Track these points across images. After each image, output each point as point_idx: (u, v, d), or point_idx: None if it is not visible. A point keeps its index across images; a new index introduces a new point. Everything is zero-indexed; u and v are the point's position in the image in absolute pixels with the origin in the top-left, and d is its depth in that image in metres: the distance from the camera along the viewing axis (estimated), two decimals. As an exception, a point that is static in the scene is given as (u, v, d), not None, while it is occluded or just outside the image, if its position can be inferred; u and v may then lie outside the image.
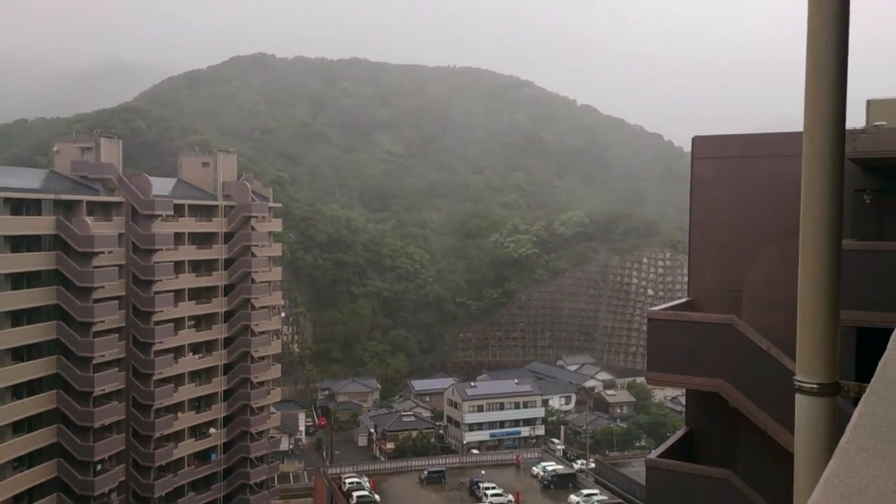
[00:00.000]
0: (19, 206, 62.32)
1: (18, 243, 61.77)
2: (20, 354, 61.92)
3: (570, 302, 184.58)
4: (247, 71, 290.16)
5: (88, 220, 66.55)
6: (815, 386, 4.51)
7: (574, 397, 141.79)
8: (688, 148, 18.94)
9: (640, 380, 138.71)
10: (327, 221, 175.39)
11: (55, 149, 75.00)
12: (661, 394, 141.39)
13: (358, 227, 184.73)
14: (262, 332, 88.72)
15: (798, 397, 4.57)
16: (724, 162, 17.58)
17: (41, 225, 63.58)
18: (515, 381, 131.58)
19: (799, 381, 4.57)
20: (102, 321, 67.15)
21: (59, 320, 64.75)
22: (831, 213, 4.54)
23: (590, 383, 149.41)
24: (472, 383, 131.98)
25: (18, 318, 61.64)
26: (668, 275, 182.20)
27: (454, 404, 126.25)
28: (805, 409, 4.55)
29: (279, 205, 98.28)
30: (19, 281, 61.77)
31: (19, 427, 61.75)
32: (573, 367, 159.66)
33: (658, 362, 15.59)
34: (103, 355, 67.40)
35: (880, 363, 3.66)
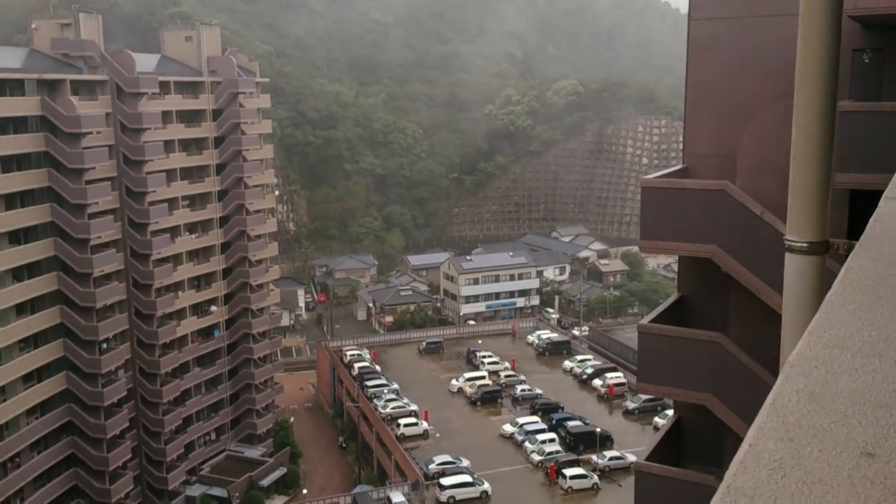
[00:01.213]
0: (2, 87, 60.89)
1: (4, 125, 60.77)
2: (17, 237, 62.19)
3: (564, 173, 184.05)
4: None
5: (73, 99, 65.18)
6: (804, 245, 4.55)
7: (568, 268, 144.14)
8: (686, 10, 18.34)
9: (635, 249, 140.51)
10: (316, 96, 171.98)
11: (33, 26, 72.36)
12: (655, 262, 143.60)
13: (348, 102, 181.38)
14: (257, 211, 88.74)
15: (788, 256, 4.61)
16: (721, 23, 17.05)
17: (26, 106, 62.35)
18: (510, 253, 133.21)
19: (789, 241, 4.60)
20: (96, 202, 67.03)
21: (52, 202, 64.62)
22: (827, 73, 4.44)
23: (584, 254, 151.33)
24: (468, 257, 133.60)
25: (12, 201, 61.49)
26: (664, 143, 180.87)
27: (450, 278, 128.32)
28: (794, 268, 4.61)
29: (266, 80, 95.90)
30: (9, 164, 61.18)
31: (22, 309, 62.81)
32: (567, 239, 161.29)
33: (651, 230, 15.69)
34: (100, 237, 67.71)
35: (871, 220, 3.67)
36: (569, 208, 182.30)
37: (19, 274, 62.53)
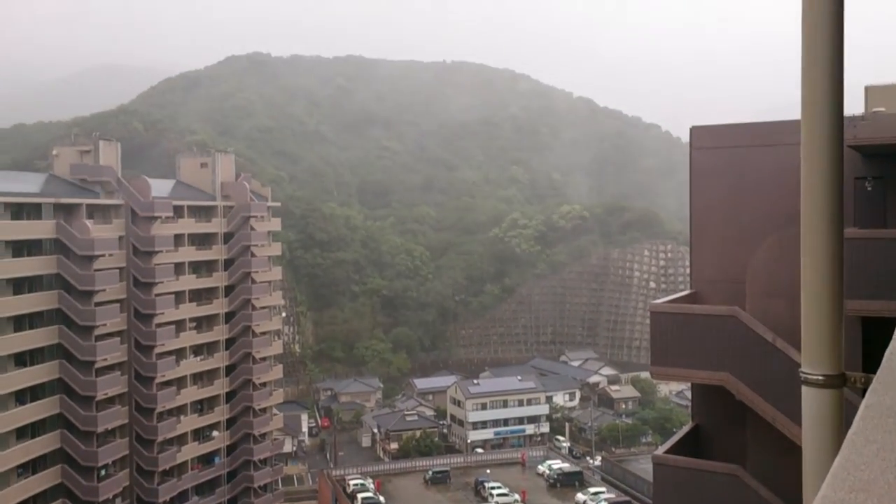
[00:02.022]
0: (20, 211, 62.27)
1: (20, 248, 61.70)
2: (23, 360, 61.87)
3: (571, 296, 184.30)
4: (243, 70, 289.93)
5: (88, 223, 66.47)
6: (820, 377, 4.46)
7: (578, 393, 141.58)
8: (686, 138, 18.85)
9: (645, 374, 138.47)
10: (326, 219, 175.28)
11: (54, 152, 74.87)
12: (667, 388, 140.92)
13: (357, 225, 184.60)
14: (264, 333, 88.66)
15: (804, 389, 4.51)
16: (723, 152, 17.51)
17: (42, 229, 63.52)
18: (518, 377, 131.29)
19: (805, 373, 4.51)
20: (104, 325, 67.13)
21: (61, 324, 64.69)
22: (832, 202, 4.48)
23: (594, 379, 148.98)
24: (475, 381, 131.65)
25: (21, 322, 61.60)
26: (671, 267, 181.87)
27: (457, 402, 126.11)
28: (812, 402, 4.50)
29: (278, 204, 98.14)
30: (21, 285, 61.69)
31: (23, 433, 61.68)
32: (576, 363, 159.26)
33: (662, 356, 15.49)
34: (105, 359, 67.37)
35: (887, 353, 3.60)
36: (577, 332, 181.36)
37: (22, 397, 61.77)
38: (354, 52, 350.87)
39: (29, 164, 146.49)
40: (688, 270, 20.10)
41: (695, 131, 17.86)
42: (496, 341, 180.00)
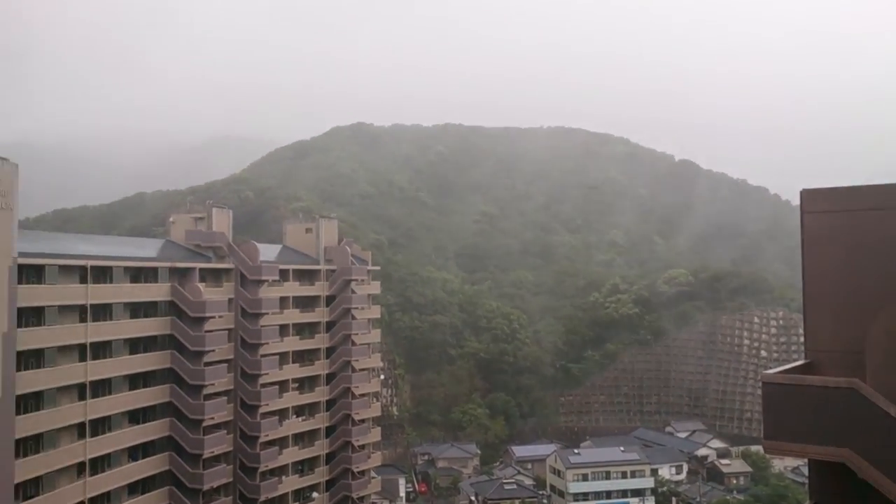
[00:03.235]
0: (138, 274, 65.90)
1: (137, 309, 65.09)
2: (136, 417, 64.60)
3: (676, 364, 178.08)
4: (347, 139, 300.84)
5: (201, 286, 69.63)
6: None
7: (685, 466, 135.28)
8: (796, 201, 18.34)
9: (757, 448, 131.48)
10: (424, 283, 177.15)
11: (171, 219, 79.31)
12: (781, 463, 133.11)
13: (454, 289, 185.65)
14: (363, 395, 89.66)
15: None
16: (838, 216, 16.91)
17: (158, 291, 66.93)
18: (621, 448, 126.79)
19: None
20: (212, 384, 69.49)
21: (172, 383, 67.40)
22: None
23: (702, 451, 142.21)
24: (576, 450, 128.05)
25: (136, 381, 64.56)
26: (783, 335, 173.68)
27: (557, 472, 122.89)
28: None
29: (377, 268, 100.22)
30: (137, 345, 64.86)
31: (133, 489, 63.97)
32: (683, 434, 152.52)
33: (775, 430, 14.83)
34: (212, 418, 69.51)
35: None
36: (683, 401, 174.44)
37: (134, 453, 64.29)
38: (453, 120, 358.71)
39: (148, 230, 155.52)
40: (801, 339, 19.31)
41: (806, 195, 17.37)
42: (597, 409, 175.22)
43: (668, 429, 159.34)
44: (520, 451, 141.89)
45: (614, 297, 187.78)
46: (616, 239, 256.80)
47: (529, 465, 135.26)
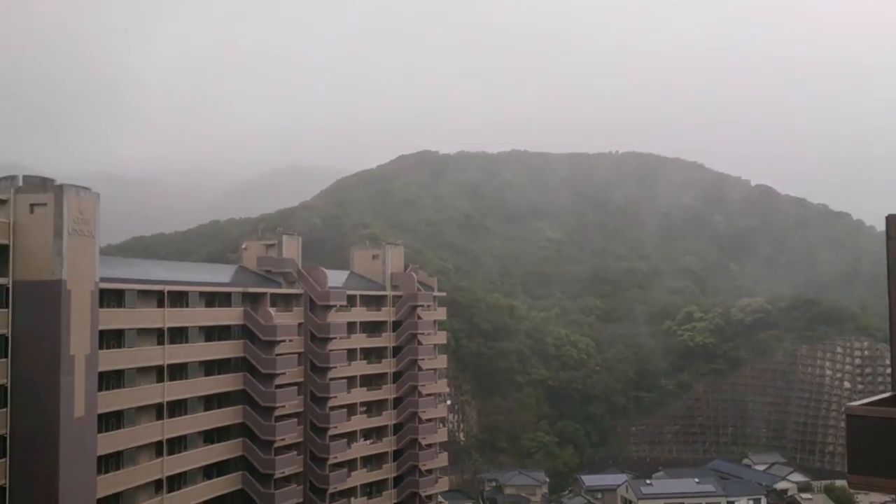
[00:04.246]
0: (212, 299, 68.14)
1: (211, 333, 67.25)
2: (210, 437, 66.47)
3: (754, 395, 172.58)
4: (412, 167, 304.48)
5: (272, 310, 71.50)
6: None
7: (764, 500, 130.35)
8: (881, 227, 17.92)
9: (841, 482, 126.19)
10: (490, 309, 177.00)
11: (243, 246, 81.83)
12: (867, 499, 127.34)
13: (521, 315, 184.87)
14: (429, 420, 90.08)
15: None
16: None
17: (231, 316, 69.02)
18: (696, 479, 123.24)
19: None
20: (283, 406, 71.01)
21: (245, 405, 69.17)
22: None
23: (781, 485, 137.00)
24: (648, 481, 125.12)
25: (210, 402, 66.53)
26: (868, 366, 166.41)
27: (628, 503, 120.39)
28: None
29: (443, 293, 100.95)
30: (212, 368, 66.92)
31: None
32: (761, 467, 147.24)
33: (861, 464, 14.39)
34: (283, 439, 70.93)
35: None
36: (761, 433, 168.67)
37: (209, 473, 66.05)
38: (518, 146, 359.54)
39: (222, 256, 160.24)
40: (888, 370, 18.80)
41: (892, 220, 16.87)
42: (670, 440, 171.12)
43: (746, 461, 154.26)
44: (589, 480, 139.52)
45: (688, 325, 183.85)
46: (689, 266, 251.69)
47: (599, 495, 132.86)
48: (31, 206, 47.52)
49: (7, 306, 46.16)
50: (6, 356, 45.80)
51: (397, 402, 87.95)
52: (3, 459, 45.14)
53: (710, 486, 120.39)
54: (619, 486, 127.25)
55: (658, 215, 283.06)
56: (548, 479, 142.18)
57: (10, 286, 46.43)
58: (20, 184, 48.22)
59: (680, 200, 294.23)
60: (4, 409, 45.49)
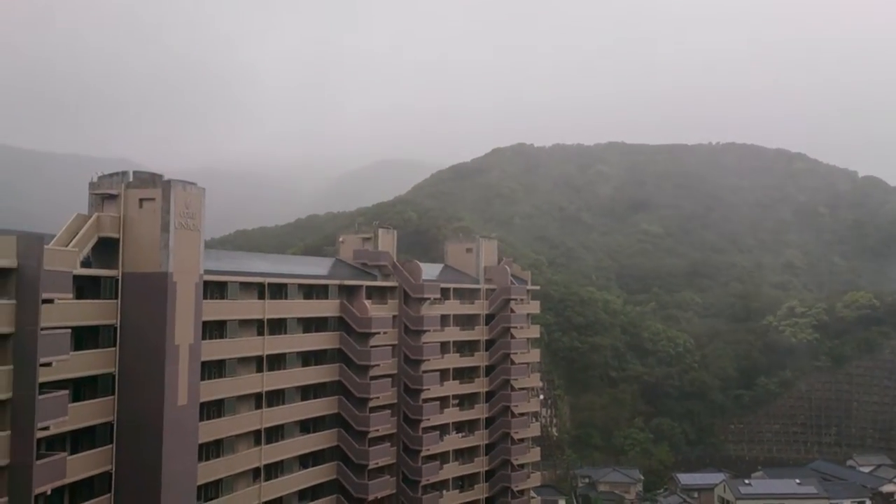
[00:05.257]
0: (310, 291, 69.52)
1: (309, 324, 68.67)
2: (307, 427, 67.95)
3: (859, 394, 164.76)
4: (507, 160, 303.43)
5: (367, 303, 72.39)
6: None
7: (868, 503, 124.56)
8: None
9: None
10: (584, 303, 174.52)
11: (340, 239, 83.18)
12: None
13: (616, 310, 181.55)
14: (522, 414, 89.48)
15: None
16: None
17: (328, 308, 70.24)
18: (797, 480, 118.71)
19: None
20: (377, 397, 71.88)
21: (340, 395, 70.37)
22: None
23: (887, 487, 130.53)
24: (747, 480, 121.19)
25: (307, 392, 67.98)
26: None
27: (726, 502, 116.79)
28: None
29: (537, 287, 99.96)
30: (308, 359, 68.36)
31: (303, 495, 67.15)
32: (866, 469, 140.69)
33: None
34: (377, 430, 71.80)
35: None
36: (867, 434, 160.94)
37: (305, 461, 67.56)
38: (615, 138, 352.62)
39: (319, 249, 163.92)
40: None
41: None
42: (770, 439, 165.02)
43: (850, 462, 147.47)
44: (685, 478, 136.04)
45: (790, 321, 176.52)
46: (792, 260, 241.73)
47: (696, 494, 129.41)
48: (141, 200, 49.43)
49: (116, 297, 48.27)
50: (115, 345, 47.93)
51: (490, 395, 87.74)
52: (110, 446, 47.22)
53: (812, 488, 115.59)
54: (716, 485, 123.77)
55: (759, 207, 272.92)
56: (642, 477, 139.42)
57: (120, 278, 48.53)
58: (130, 179, 50.29)
59: (783, 192, 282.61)
60: (112, 397, 47.55)
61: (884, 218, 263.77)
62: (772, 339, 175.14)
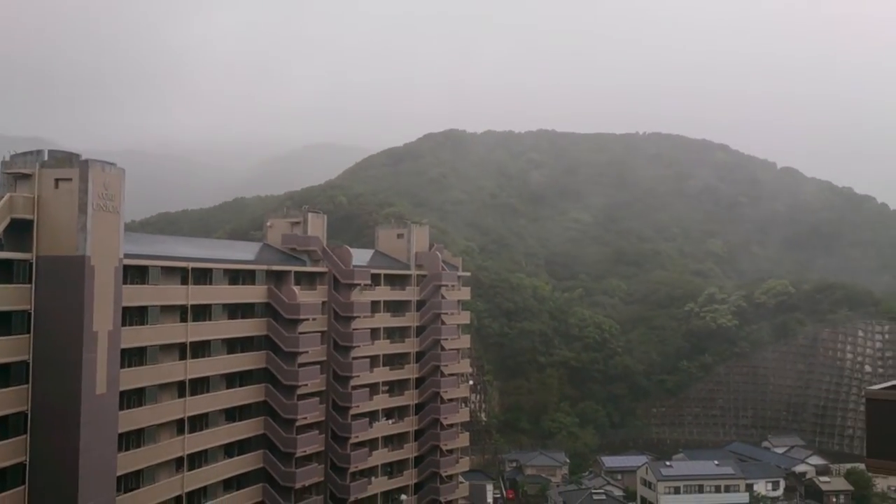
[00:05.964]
0: (236, 277, 67.93)
1: (235, 310, 67.09)
2: (232, 415, 66.54)
3: (775, 378, 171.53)
4: (439, 146, 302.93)
5: (296, 289, 71.20)
6: None
7: (782, 483, 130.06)
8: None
9: (861, 467, 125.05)
10: (514, 290, 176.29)
11: (268, 223, 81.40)
12: (885, 482, 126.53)
13: (544, 296, 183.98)
14: (451, 400, 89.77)
15: None
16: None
17: (255, 293, 68.80)
18: (716, 462, 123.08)
19: None
20: (306, 384, 70.90)
21: (267, 383, 69.11)
22: None
23: (800, 468, 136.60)
24: (668, 462, 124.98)
25: (232, 380, 66.51)
26: (889, 350, 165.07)
27: (648, 484, 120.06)
28: None
29: (468, 273, 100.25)
30: (234, 346, 66.83)
31: (229, 485, 65.85)
32: (780, 450, 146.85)
33: (880, 447, 13.91)
34: (305, 417, 70.89)
35: None
36: (781, 416, 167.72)
37: (230, 450, 66.15)
38: (545, 125, 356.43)
39: (246, 233, 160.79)
40: None
41: None
42: (691, 422, 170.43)
43: (765, 443, 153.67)
44: (610, 461, 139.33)
45: (711, 308, 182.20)
46: (713, 248, 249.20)
47: (619, 476, 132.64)
48: (57, 181, 47.27)
49: (30, 282, 46.11)
50: (28, 332, 45.81)
51: (420, 381, 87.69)
52: (24, 436, 45.24)
53: (730, 469, 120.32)
54: (638, 467, 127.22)
55: (683, 197, 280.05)
56: (568, 460, 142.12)
57: (34, 261, 46.34)
58: (45, 158, 47.99)
59: (706, 182, 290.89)
60: (26, 386, 45.53)
61: (800, 208, 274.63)
62: (693, 325, 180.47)
